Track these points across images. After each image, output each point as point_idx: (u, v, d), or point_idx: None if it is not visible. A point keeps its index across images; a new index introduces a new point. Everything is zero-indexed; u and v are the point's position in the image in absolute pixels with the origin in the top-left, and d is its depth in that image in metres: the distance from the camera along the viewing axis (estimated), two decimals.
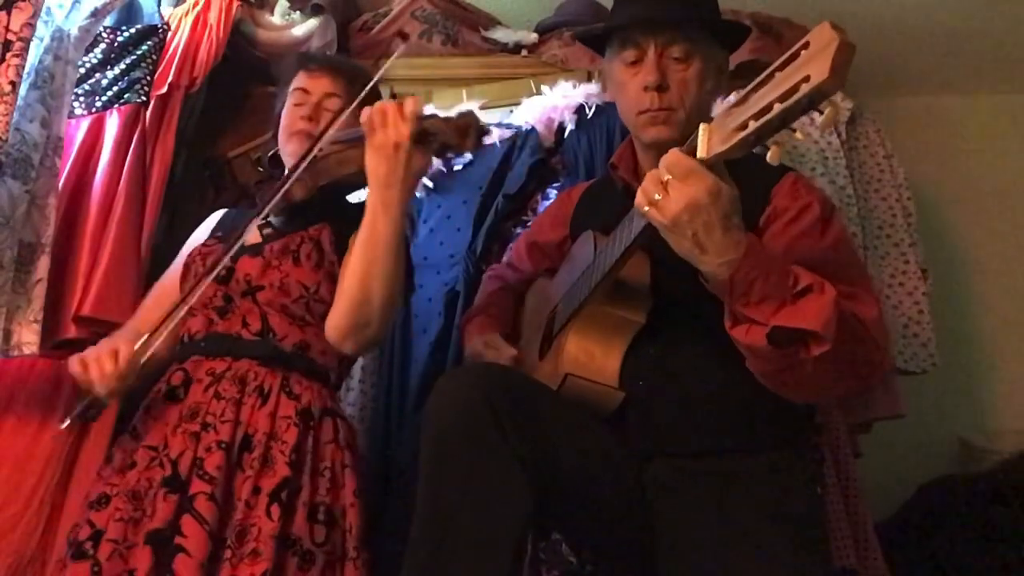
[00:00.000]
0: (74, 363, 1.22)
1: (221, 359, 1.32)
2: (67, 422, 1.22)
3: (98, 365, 1.19)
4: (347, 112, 1.34)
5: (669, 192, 0.96)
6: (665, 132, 1.23)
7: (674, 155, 0.98)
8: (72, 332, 1.70)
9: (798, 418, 1.22)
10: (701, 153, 0.93)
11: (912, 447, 2.41)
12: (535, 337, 1.39)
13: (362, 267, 1.24)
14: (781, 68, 0.85)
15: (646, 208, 0.99)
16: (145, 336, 1.23)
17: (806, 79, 0.80)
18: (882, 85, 2.65)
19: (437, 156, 1.25)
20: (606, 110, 2.04)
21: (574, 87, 2.09)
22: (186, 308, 1.27)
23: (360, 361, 1.99)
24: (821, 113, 0.82)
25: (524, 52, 2.36)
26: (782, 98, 0.83)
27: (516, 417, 1.07)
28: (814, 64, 0.80)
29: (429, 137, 1.19)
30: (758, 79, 0.89)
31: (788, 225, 1.16)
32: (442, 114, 1.21)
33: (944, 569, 2.03)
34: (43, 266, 1.67)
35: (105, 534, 1.15)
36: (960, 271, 2.75)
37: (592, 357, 1.20)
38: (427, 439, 1.10)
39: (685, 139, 1.19)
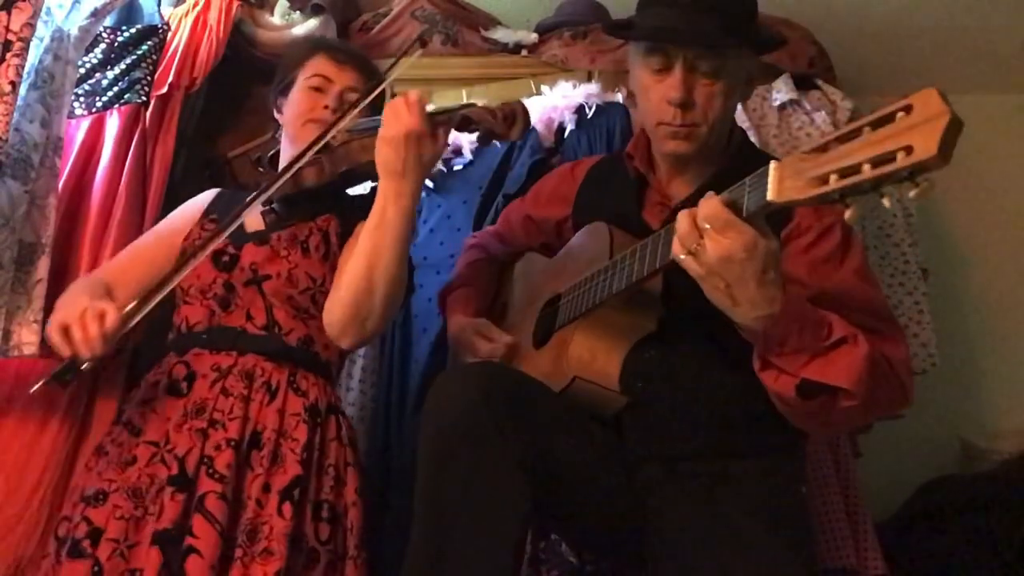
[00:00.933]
0: (54, 330, 1.14)
1: (226, 353, 1.29)
2: (39, 385, 1.12)
3: (82, 328, 1.12)
4: (360, 106, 1.33)
5: (706, 243, 0.94)
6: (684, 147, 1.21)
7: (714, 206, 0.94)
8: None
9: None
10: (772, 195, 0.87)
11: (912, 447, 2.41)
12: (527, 318, 1.37)
13: (368, 255, 1.22)
14: (873, 127, 0.78)
15: (683, 256, 0.97)
16: (135, 302, 1.17)
17: (907, 150, 0.73)
18: (882, 85, 2.64)
19: (483, 143, 1.25)
20: (606, 110, 2.04)
21: (574, 87, 2.09)
22: (178, 280, 1.20)
23: (360, 361, 1.99)
24: (917, 186, 0.75)
25: (524, 52, 2.36)
26: (875, 163, 0.76)
27: (515, 418, 1.07)
28: (918, 136, 0.73)
29: (472, 125, 1.19)
30: (843, 130, 0.82)
31: (809, 248, 1.15)
32: (482, 103, 1.21)
33: (944, 569, 2.03)
34: (43, 266, 1.67)
35: (105, 533, 1.13)
36: (960, 271, 2.75)
37: (596, 358, 1.20)
38: (426, 439, 1.09)
39: (703, 151, 1.19)
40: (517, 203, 1.61)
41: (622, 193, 1.34)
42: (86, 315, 1.12)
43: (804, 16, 2.32)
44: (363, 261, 1.23)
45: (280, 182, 1.27)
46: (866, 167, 0.77)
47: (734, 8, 1.18)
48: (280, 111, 1.53)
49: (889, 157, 0.75)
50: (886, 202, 0.79)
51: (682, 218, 0.97)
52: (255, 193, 1.27)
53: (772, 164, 0.88)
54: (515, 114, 1.16)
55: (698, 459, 1.16)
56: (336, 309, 1.26)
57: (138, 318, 1.16)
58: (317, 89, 1.45)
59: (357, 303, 1.23)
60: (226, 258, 1.35)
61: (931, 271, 2.12)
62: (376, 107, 1.47)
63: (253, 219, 1.42)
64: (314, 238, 1.37)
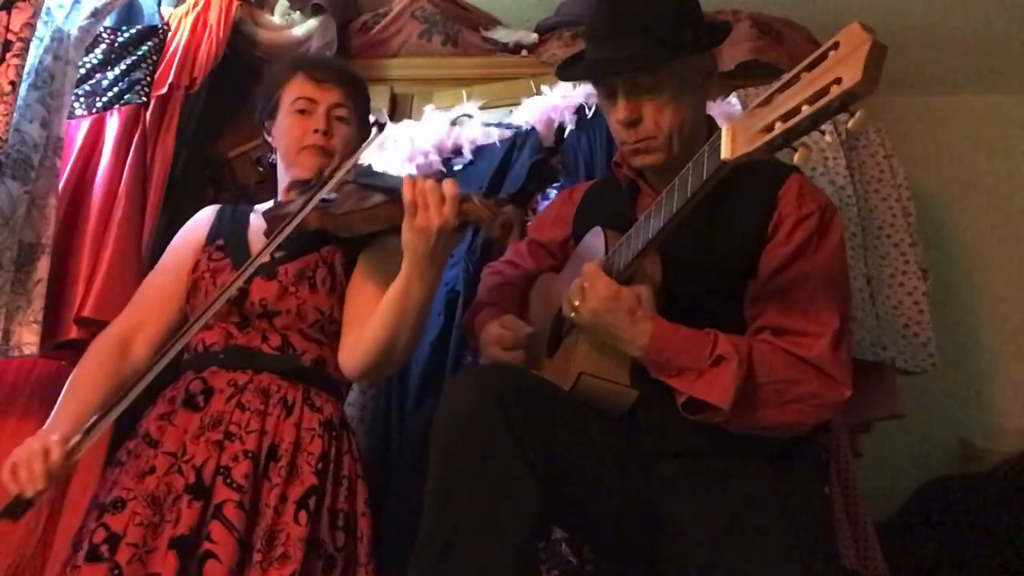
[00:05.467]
0: (5, 471, 1.18)
1: (242, 371, 1.32)
2: None
3: (28, 468, 1.16)
4: (360, 153, 1.37)
5: (585, 298, 1.13)
6: (649, 159, 1.25)
7: (589, 267, 1.15)
8: (72, 333, 1.70)
9: None
10: (725, 154, 0.93)
11: (912, 447, 2.41)
12: (542, 334, 1.39)
13: (390, 326, 1.26)
14: (808, 69, 0.84)
15: (571, 315, 1.16)
16: (82, 431, 1.19)
17: (837, 81, 0.79)
18: (882, 85, 2.64)
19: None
20: None
21: (574, 87, 2.08)
22: (159, 367, 1.23)
23: None
24: (852, 115, 0.81)
25: (524, 52, 2.36)
26: (811, 100, 0.82)
27: (527, 419, 1.08)
28: (845, 66, 0.79)
29: (470, 226, 1.21)
30: (784, 80, 0.88)
31: (786, 239, 1.18)
32: (479, 200, 1.19)
33: (944, 569, 2.03)
34: (43, 266, 1.67)
35: (124, 538, 1.16)
36: (960, 271, 2.74)
37: (604, 355, 1.21)
38: (438, 439, 1.10)
39: (673, 157, 1.23)
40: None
41: (616, 201, 1.38)
42: (32, 455, 1.17)
43: (804, 16, 2.33)
44: (386, 328, 1.26)
45: (286, 232, 1.28)
46: (805, 107, 0.83)
47: (659, 23, 1.21)
48: (270, 133, 1.53)
49: (823, 92, 0.81)
50: (828, 138, 0.85)
51: (571, 286, 1.17)
52: (262, 248, 1.29)
53: (724, 127, 0.95)
54: (511, 223, 1.20)
55: (713, 455, 1.17)
56: (358, 360, 1.32)
57: (86, 446, 1.20)
58: (303, 112, 1.45)
59: (378, 363, 1.29)
60: (236, 293, 1.36)
61: (931, 271, 2.11)
62: (366, 130, 1.49)
63: (258, 248, 1.43)
64: (320, 271, 1.38)
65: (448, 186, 1.17)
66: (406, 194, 1.18)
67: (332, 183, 1.33)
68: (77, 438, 1.19)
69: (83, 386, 1.34)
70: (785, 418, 1.10)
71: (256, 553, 1.16)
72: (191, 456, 1.23)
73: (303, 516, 1.21)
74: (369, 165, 1.58)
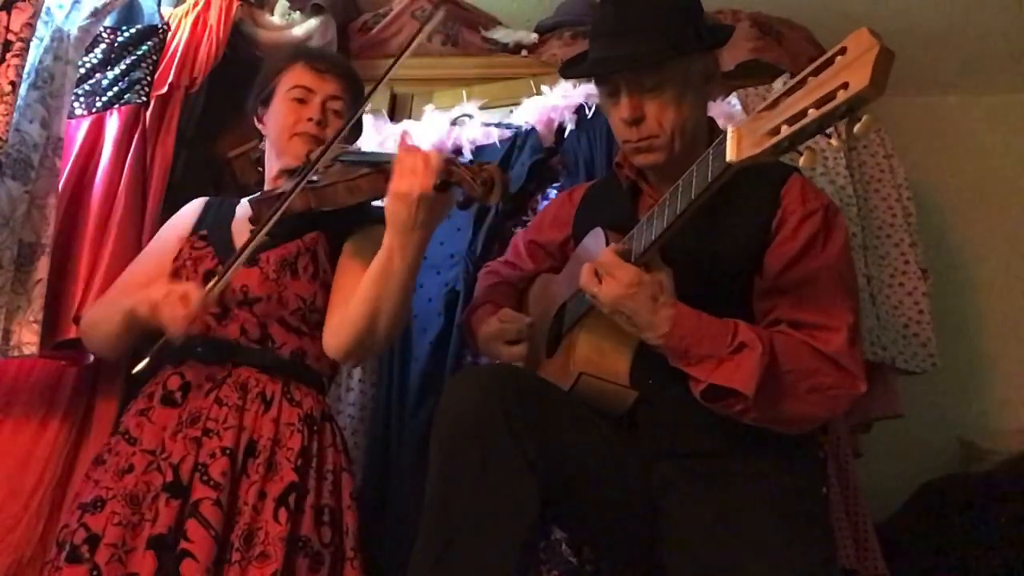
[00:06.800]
0: (143, 308, 1.23)
1: (220, 365, 1.31)
2: (143, 364, 1.21)
3: (170, 310, 1.19)
4: (344, 129, 1.36)
5: (602, 284, 1.11)
6: (651, 158, 1.26)
7: (606, 254, 1.13)
8: (72, 333, 1.70)
9: None
10: (730, 156, 0.93)
11: (912, 447, 2.41)
12: (542, 334, 1.39)
13: (373, 300, 1.25)
14: (815, 73, 0.85)
15: (589, 298, 1.14)
16: (214, 281, 1.23)
17: (844, 86, 0.80)
18: None
19: (461, 208, 1.27)
20: None
21: (574, 87, 2.09)
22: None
23: None
24: (857, 120, 0.82)
25: (524, 52, 2.36)
26: (818, 104, 0.83)
27: (527, 419, 1.08)
28: (853, 71, 0.79)
29: (452, 187, 1.20)
30: (790, 84, 0.88)
31: (792, 234, 1.18)
32: (466, 163, 1.21)
33: (944, 569, 2.03)
34: (43, 266, 1.67)
35: (103, 538, 1.15)
36: (960, 271, 2.74)
37: (604, 355, 1.21)
38: (438, 439, 1.11)
39: (675, 157, 1.23)
40: (521, 232, 1.67)
41: (617, 202, 1.39)
42: (171, 299, 1.21)
43: (804, 16, 2.33)
44: (367, 306, 1.25)
45: (275, 218, 1.27)
46: (811, 111, 0.83)
47: (664, 22, 1.21)
48: (261, 121, 1.52)
49: (830, 96, 0.81)
50: (834, 142, 0.87)
51: (586, 268, 1.14)
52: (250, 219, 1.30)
53: (730, 129, 0.95)
54: (493, 181, 1.19)
55: (710, 457, 1.17)
56: (340, 340, 1.30)
57: (220, 287, 1.25)
58: (299, 100, 1.45)
59: (361, 340, 1.28)
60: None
61: (931, 271, 2.11)
62: (359, 128, 1.48)
63: (242, 238, 1.41)
64: (303, 259, 1.38)
65: (433, 156, 1.18)
66: (399, 153, 1.19)
67: (322, 161, 1.32)
68: (211, 285, 1.22)
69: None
70: (802, 409, 1.10)
71: (235, 552, 1.15)
72: (169, 454, 1.22)
73: (283, 514, 1.19)
74: (357, 147, 1.58)
